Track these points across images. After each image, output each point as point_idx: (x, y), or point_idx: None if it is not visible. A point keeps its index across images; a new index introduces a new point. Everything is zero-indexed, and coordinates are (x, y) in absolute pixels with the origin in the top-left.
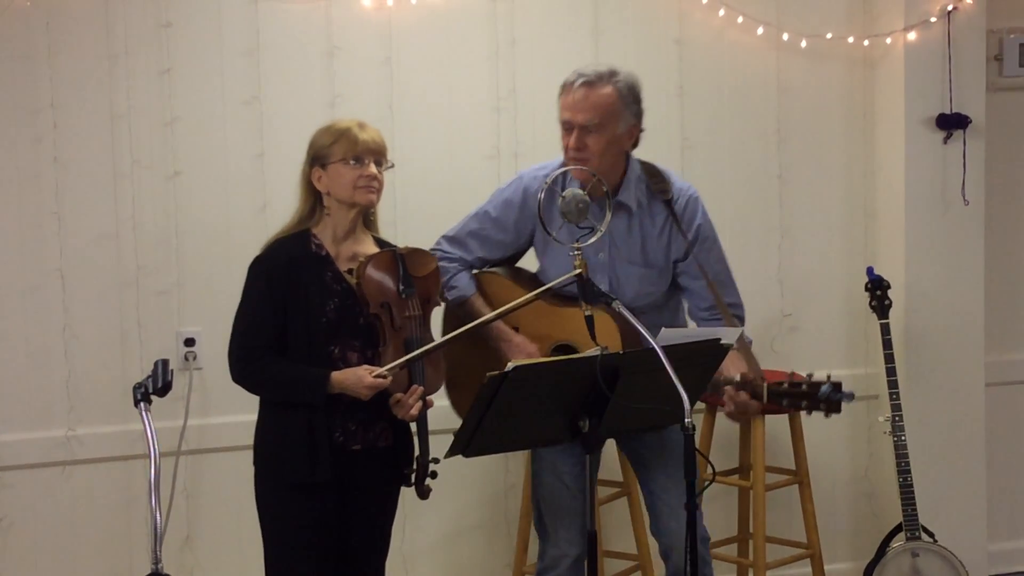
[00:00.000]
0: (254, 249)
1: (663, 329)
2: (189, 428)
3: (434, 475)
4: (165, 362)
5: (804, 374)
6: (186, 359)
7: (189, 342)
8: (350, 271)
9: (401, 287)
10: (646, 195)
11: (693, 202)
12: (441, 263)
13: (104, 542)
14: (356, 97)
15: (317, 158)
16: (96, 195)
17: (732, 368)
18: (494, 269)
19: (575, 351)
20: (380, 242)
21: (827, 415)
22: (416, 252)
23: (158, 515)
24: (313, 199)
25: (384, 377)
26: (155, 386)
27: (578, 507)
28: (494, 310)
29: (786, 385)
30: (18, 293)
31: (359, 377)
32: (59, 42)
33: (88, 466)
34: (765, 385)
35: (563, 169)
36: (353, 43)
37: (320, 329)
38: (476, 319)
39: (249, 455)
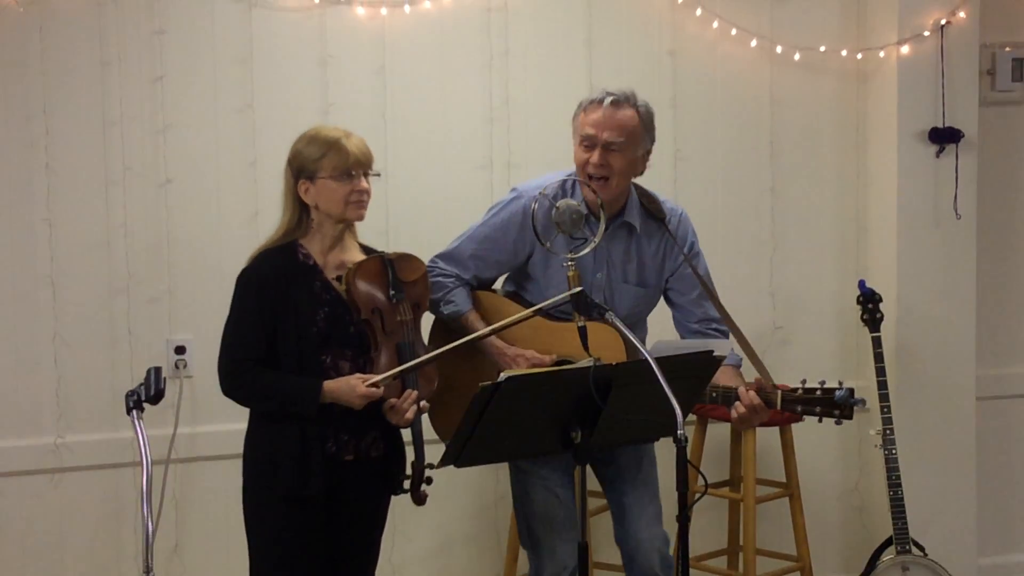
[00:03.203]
0: (246, 257)
1: (656, 341)
2: (179, 436)
3: (429, 481)
4: (158, 370)
5: (817, 383)
6: (176, 367)
7: (179, 350)
8: (338, 279)
9: (391, 292)
10: (643, 216)
11: (684, 220)
12: (437, 279)
13: (93, 550)
14: (349, 106)
15: (303, 170)
16: (87, 202)
17: (735, 382)
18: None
19: None
20: (365, 248)
21: (838, 422)
22: (404, 257)
23: (150, 523)
24: (299, 210)
25: (377, 387)
26: (147, 394)
27: (572, 519)
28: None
29: (800, 391)
30: (8, 300)
31: (352, 387)
32: (52, 48)
33: (77, 474)
34: (779, 392)
35: (568, 178)
36: (346, 52)
37: (311, 339)
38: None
39: (239, 463)
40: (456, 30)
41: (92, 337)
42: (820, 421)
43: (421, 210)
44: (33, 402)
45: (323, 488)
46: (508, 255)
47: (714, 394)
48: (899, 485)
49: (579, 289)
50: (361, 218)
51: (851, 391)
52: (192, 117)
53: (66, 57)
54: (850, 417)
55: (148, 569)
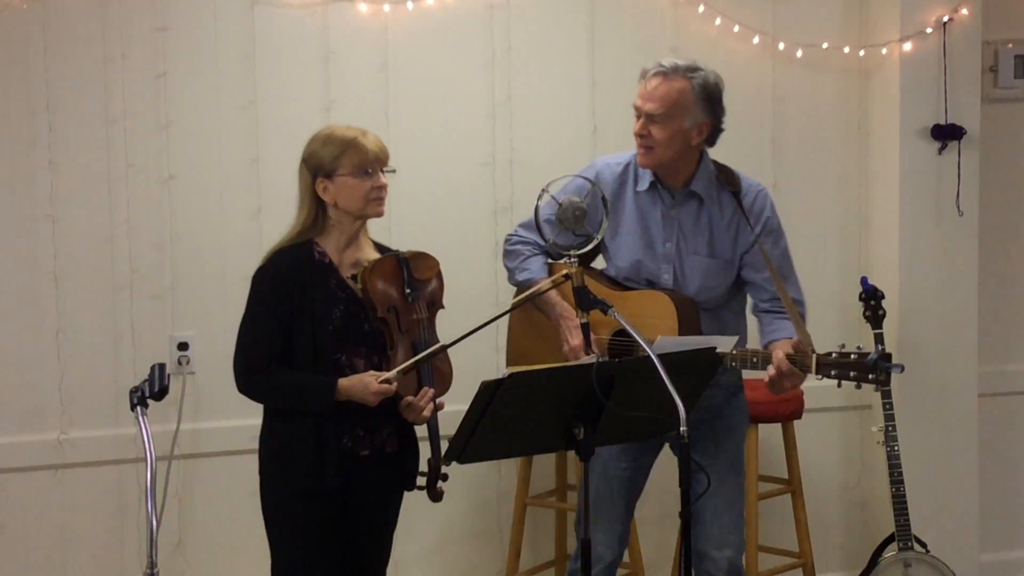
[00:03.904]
0: (249, 254)
1: (659, 337)
2: (182, 432)
3: (445, 477)
4: (162, 366)
5: (855, 347)
6: (179, 363)
7: (182, 346)
8: (354, 277)
9: (407, 291)
10: (716, 188)
11: (762, 196)
12: (516, 247)
13: (96, 546)
14: (352, 103)
15: (321, 169)
16: (91, 198)
17: (781, 344)
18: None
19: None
20: (379, 247)
21: (877, 388)
22: (419, 255)
23: (154, 519)
24: (316, 209)
25: (390, 383)
26: (152, 390)
27: (619, 512)
28: (563, 297)
29: (835, 355)
30: (11, 296)
31: (365, 384)
32: (55, 45)
33: (80, 470)
34: (814, 356)
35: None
36: (349, 49)
37: (327, 337)
38: (544, 302)
39: (242, 459)
40: (459, 27)
41: (95, 333)
42: (858, 387)
43: (424, 206)
44: (36, 398)
45: (339, 483)
46: None
47: (755, 359)
48: (901, 482)
49: (564, 274)
50: (381, 215)
51: (886, 355)
52: (195, 114)
53: (69, 54)
54: (887, 383)
55: (152, 565)
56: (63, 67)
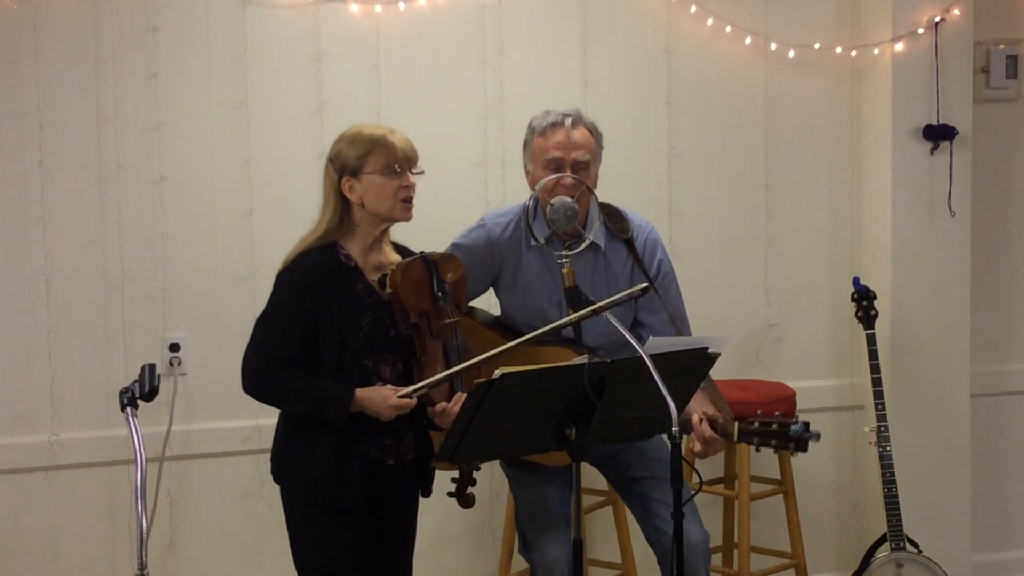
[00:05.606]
0: (240, 254)
1: (650, 338)
2: (173, 434)
3: (474, 483)
4: (152, 367)
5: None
6: (171, 364)
7: (174, 347)
8: (380, 282)
9: (438, 294)
10: (606, 235)
11: (653, 240)
12: None
13: (87, 548)
14: (344, 103)
15: (346, 167)
16: (82, 199)
17: (698, 407)
18: None
19: None
20: (399, 248)
21: (793, 454)
22: (444, 256)
23: (144, 520)
24: (341, 209)
25: (410, 398)
26: (142, 391)
27: (558, 517)
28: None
29: (756, 424)
30: (2, 297)
31: (384, 397)
32: (46, 45)
33: (71, 471)
34: (736, 424)
35: (551, 178)
36: (341, 49)
37: (356, 344)
38: None
39: (233, 461)
40: (451, 27)
41: (86, 334)
42: (775, 452)
43: (415, 207)
44: (27, 399)
45: (363, 496)
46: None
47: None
48: (893, 482)
49: (644, 285)
50: (409, 218)
51: (806, 425)
52: (186, 114)
53: (60, 54)
54: (804, 450)
55: (142, 567)
56: (54, 68)
